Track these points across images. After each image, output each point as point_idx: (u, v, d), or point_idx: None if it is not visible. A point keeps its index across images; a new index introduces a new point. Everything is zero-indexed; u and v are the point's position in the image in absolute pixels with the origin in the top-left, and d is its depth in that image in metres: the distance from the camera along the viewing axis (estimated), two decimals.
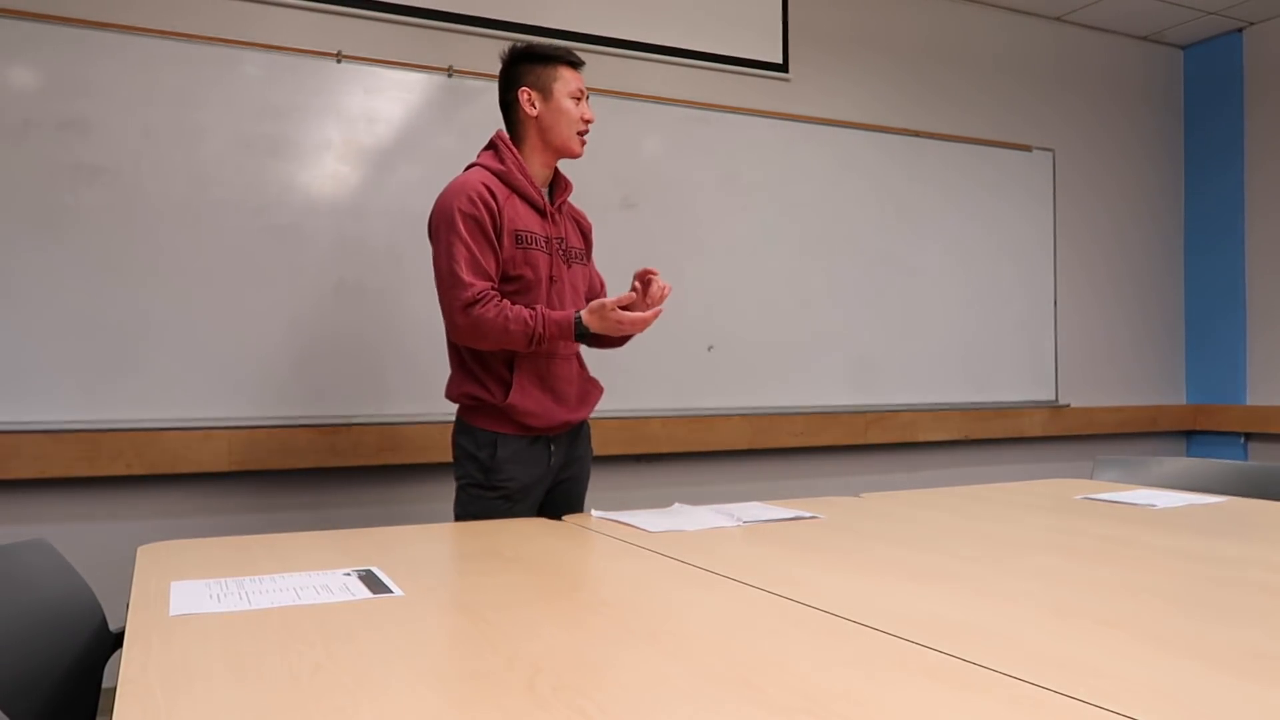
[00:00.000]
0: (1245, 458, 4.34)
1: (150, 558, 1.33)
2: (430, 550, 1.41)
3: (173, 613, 1.02)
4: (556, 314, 1.90)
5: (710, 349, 3.47)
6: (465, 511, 2.01)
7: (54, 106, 2.59)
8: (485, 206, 1.91)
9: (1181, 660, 0.85)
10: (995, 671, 0.81)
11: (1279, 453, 4.24)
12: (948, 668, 0.83)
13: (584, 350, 2.21)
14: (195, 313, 2.73)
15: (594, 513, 1.77)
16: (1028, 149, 4.17)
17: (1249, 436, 4.36)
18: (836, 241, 3.73)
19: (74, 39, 2.61)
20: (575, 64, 2.05)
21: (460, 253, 1.89)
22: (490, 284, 1.90)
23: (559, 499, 2.12)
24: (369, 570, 1.23)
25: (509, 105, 2.06)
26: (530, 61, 2.03)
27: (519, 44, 2.08)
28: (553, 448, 2.06)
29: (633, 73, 3.39)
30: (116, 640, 1.22)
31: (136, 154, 2.67)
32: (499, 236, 1.93)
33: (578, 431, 2.15)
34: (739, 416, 3.49)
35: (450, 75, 3.06)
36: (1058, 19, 4.30)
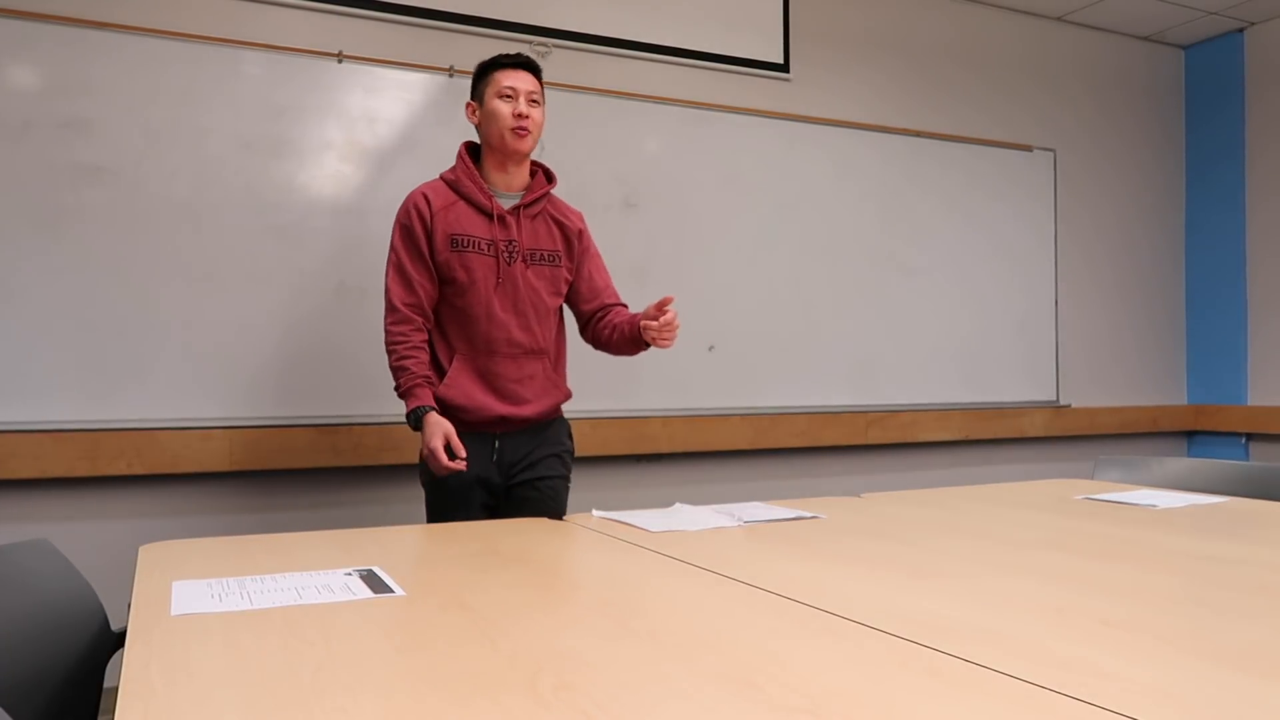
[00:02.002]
0: (1246, 458, 4.33)
1: (151, 557, 1.33)
2: (431, 550, 1.41)
3: (174, 612, 1.02)
4: (417, 391, 2.02)
5: (711, 349, 3.47)
6: (430, 503, 2.13)
7: (55, 106, 2.59)
8: (417, 215, 2.07)
9: (1182, 660, 0.85)
10: (996, 671, 0.81)
11: None
12: (948, 667, 0.83)
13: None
14: (196, 313, 2.73)
15: (595, 513, 1.77)
16: (1029, 149, 4.17)
17: (1250, 437, 4.36)
18: (837, 241, 3.73)
19: (74, 39, 2.61)
20: (508, 65, 2.11)
21: (392, 261, 2.09)
22: (415, 305, 2.06)
23: (525, 502, 2.12)
24: (370, 570, 1.23)
25: None
26: (475, 77, 2.16)
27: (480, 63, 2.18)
28: (498, 444, 2.10)
29: (633, 73, 3.39)
30: (118, 640, 1.22)
31: (137, 154, 2.68)
32: (431, 241, 2.06)
33: (538, 431, 2.15)
34: (740, 416, 3.49)
35: (451, 75, 3.06)
36: (1059, 19, 4.30)
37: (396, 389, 2.06)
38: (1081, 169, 4.34)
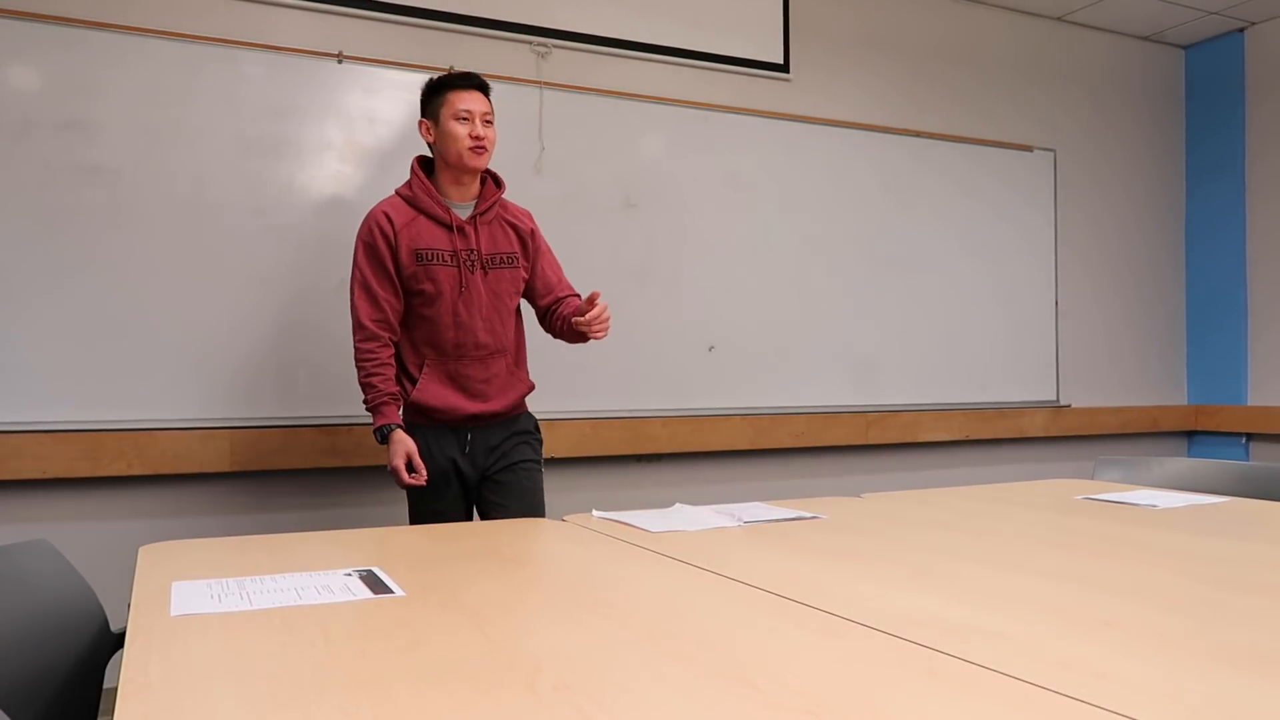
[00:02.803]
0: (1247, 458, 4.33)
1: (151, 558, 1.33)
2: (431, 550, 1.41)
3: (174, 613, 1.02)
4: (384, 409, 2.17)
5: (711, 349, 3.47)
6: (409, 498, 2.25)
7: (55, 107, 2.59)
8: (380, 233, 2.18)
9: (1183, 660, 0.85)
10: (996, 672, 0.81)
11: None
12: (948, 667, 0.83)
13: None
14: (196, 313, 2.73)
15: (595, 513, 1.77)
16: (1029, 149, 4.17)
17: (1250, 437, 4.36)
18: (837, 241, 3.73)
19: (75, 39, 2.61)
20: (461, 86, 2.21)
21: (356, 278, 2.19)
22: (381, 321, 2.17)
23: (501, 486, 2.26)
24: (370, 570, 1.23)
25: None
26: (426, 95, 2.26)
27: (429, 79, 2.28)
28: (470, 437, 2.24)
29: (633, 73, 3.39)
30: (118, 640, 1.22)
31: (137, 154, 2.68)
32: (397, 256, 2.17)
33: (507, 425, 2.30)
34: (740, 416, 3.49)
35: None
36: (1059, 19, 4.30)
37: (365, 403, 2.20)
38: (1082, 169, 4.34)
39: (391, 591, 1.12)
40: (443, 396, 2.20)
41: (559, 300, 2.35)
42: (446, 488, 2.23)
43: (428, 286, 2.17)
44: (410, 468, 2.15)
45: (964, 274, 4.00)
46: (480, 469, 2.26)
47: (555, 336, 2.38)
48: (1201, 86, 4.58)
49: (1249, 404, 4.35)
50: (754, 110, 3.58)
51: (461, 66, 3.07)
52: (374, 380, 2.17)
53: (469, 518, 2.32)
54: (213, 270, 2.75)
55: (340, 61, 2.92)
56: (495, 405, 2.25)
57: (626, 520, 1.66)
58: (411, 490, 2.21)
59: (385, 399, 2.17)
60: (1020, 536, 1.49)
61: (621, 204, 3.31)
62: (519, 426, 2.32)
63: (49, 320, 2.58)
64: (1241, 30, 4.40)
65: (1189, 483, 2.19)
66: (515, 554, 1.38)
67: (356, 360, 2.19)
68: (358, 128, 2.94)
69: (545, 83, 3.16)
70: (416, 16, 3.04)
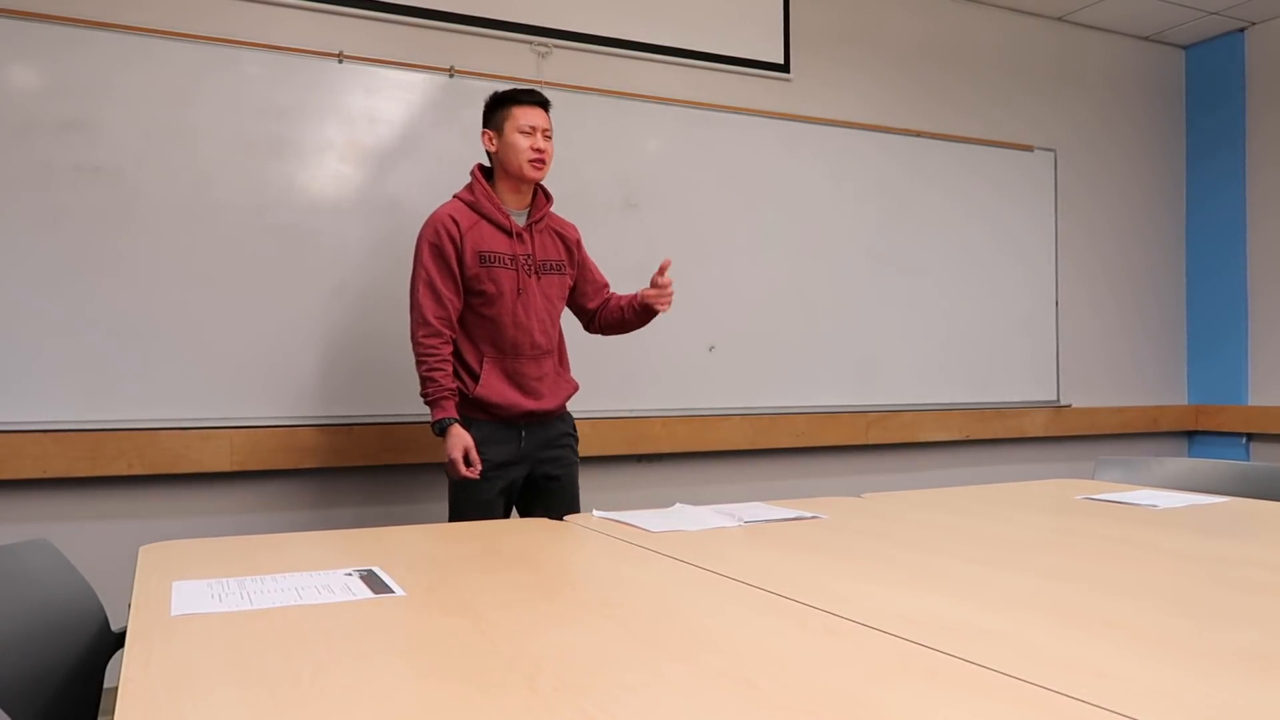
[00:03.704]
0: (1247, 458, 4.33)
1: (152, 557, 1.33)
2: (431, 550, 1.41)
3: (174, 613, 1.02)
4: (444, 403, 2.26)
5: (711, 349, 3.47)
6: (453, 488, 2.33)
7: (55, 106, 2.59)
8: (448, 235, 2.28)
9: (1183, 661, 0.85)
10: (997, 672, 0.81)
11: None
12: (949, 668, 0.83)
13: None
14: (197, 313, 2.73)
15: (595, 513, 1.77)
16: (1029, 149, 4.17)
17: (1251, 437, 4.36)
18: (838, 241, 3.73)
19: (75, 39, 2.61)
20: (526, 102, 2.34)
21: (421, 277, 2.29)
22: (444, 319, 2.27)
23: (544, 488, 2.41)
24: (370, 570, 1.24)
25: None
26: (491, 107, 2.38)
27: (495, 92, 2.40)
28: (524, 434, 2.36)
29: (634, 73, 3.39)
30: (118, 640, 1.22)
31: (138, 154, 2.68)
32: (461, 258, 2.28)
33: (555, 422, 2.43)
34: (740, 416, 3.49)
35: (451, 75, 3.06)
36: (1059, 19, 4.30)
37: (424, 396, 2.28)
38: (1082, 169, 4.34)
39: (392, 591, 1.12)
40: (503, 393, 2.32)
41: (610, 297, 2.52)
42: (495, 482, 2.32)
43: (489, 287, 2.30)
44: (468, 461, 2.24)
45: (964, 273, 4.00)
46: (530, 463, 2.38)
47: (607, 332, 2.54)
48: (1202, 86, 4.58)
49: (1249, 404, 4.35)
50: (754, 110, 3.58)
51: (462, 67, 3.08)
52: (436, 375, 2.26)
53: (507, 514, 2.41)
54: (214, 269, 2.75)
55: (341, 61, 2.92)
56: (548, 403, 2.38)
57: (627, 520, 1.66)
58: (459, 483, 2.29)
59: (446, 394, 2.26)
60: (1021, 537, 1.49)
61: (622, 204, 3.31)
62: (565, 426, 2.46)
63: (50, 319, 2.58)
64: (1242, 30, 4.40)
65: (1189, 483, 2.19)
66: (516, 554, 1.38)
67: (419, 354, 2.27)
68: (358, 128, 2.94)
69: (546, 83, 3.16)
70: (417, 16, 3.04)
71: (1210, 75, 4.54)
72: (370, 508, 2.96)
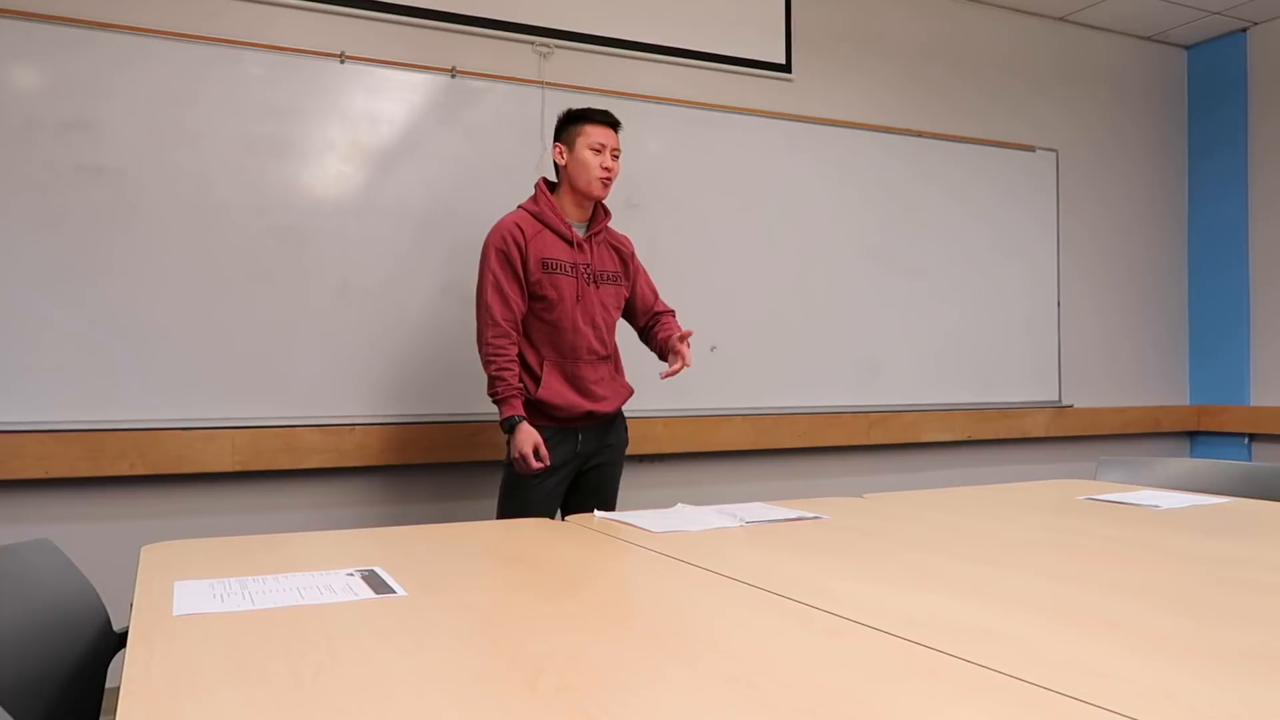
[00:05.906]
0: (1249, 458, 4.33)
1: (154, 557, 1.33)
2: (433, 550, 1.41)
3: (176, 613, 1.03)
4: (512, 401, 2.37)
5: (713, 349, 3.47)
6: (507, 480, 2.45)
7: (57, 107, 2.60)
8: (514, 242, 2.39)
9: (1185, 661, 0.85)
10: (998, 672, 0.81)
11: None
12: (950, 668, 0.83)
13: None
14: (198, 313, 2.74)
15: (596, 513, 1.77)
16: (1031, 149, 4.17)
17: (1253, 437, 4.35)
18: (839, 242, 3.73)
19: (77, 39, 2.62)
20: (599, 121, 2.45)
21: (489, 280, 2.40)
22: (511, 321, 2.38)
23: (592, 481, 2.54)
24: (372, 570, 1.24)
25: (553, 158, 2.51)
26: (564, 122, 2.49)
27: (569, 109, 2.51)
28: (580, 436, 2.48)
29: (635, 73, 3.39)
30: (120, 640, 1.23)
31: (140, 154, 2.68)
32: (526, 264, 2.39)
33: (610, 423, 2.55)
34: (742, 417, 3.49)
35: (454, 76, 3.06)
36: (1061, 19, 4.30)
37: (493, 395, 2.39)
38: (1084, 169, 4.34)
39: (394, 591, 1.12)
40: (563, 395, 2.43)
41: (655, 318, 2.63)
42: (550, 479, 2.43)
43: (551, 293, 2.40)
44: (536, 455, 2.35)
45: (966, 274, 4.00)
46: (584, 460, 2.50)
47: (652, 350, 2.66)
48: (1204, 86, 4.58)
49: (1251, 404, 4.35)
50: (756, 110, 3.58)
51: (463, 67, 3.08)
52: (505, 374, 2.36)
53: (554, 513, 2.48)
54: (216, 270, 2.76)
55: (343, 62, 2.92)
56: (605, 406, 2.50)
57: (628, 520, 1.66)
58: (514, 482, 2.41)
59: (515, 392, 2.37)
60: (1022, 537, 1.49)
61: (623, 204, 3.31)
62: (618, 428, 2.58)
63: (52, 320, 2.59)
64: (1244, 30, 4.40)
65: (1191, 483, 2.19)
66: (517, 554, 1.38)
67: (488, 355, 2.38)
68: (360, 128, 2.94)
69: (547, 83, 3.16)
70: (418, 17, 3.05)
71: (1212, 75, 4.53)
72: (372, 508, 2.96)
